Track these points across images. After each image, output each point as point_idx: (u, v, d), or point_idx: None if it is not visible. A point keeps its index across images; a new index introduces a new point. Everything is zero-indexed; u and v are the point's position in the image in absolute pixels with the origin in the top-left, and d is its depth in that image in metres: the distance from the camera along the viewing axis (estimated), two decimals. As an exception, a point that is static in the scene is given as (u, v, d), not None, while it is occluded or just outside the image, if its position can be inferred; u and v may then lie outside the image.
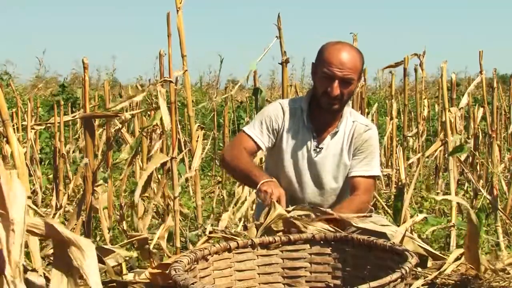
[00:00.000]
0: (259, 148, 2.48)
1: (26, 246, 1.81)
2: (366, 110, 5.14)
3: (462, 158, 3.76)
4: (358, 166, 2.46)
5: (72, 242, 1.25)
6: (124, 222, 3.33)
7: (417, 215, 2.51)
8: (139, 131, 4.40)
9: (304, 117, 2.47)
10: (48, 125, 5.31)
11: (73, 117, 5.14)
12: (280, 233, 2.00)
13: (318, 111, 2.47)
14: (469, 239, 2.02)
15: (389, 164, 6.00)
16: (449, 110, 3.33)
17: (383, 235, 2.16)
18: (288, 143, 2.49)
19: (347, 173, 2.49)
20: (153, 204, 3.30)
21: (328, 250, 1.87)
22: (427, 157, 5.54)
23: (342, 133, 2.49)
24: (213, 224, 3.69)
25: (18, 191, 1.23)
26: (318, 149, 2.48)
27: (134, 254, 2.30)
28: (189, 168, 3.29)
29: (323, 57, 2.38)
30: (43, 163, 7.11)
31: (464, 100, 3.64)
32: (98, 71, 14.26)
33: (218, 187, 5.03)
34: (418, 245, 2.15)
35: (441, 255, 2.26)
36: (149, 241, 2.33)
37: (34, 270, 1.78)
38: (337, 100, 2.37)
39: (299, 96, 2.78)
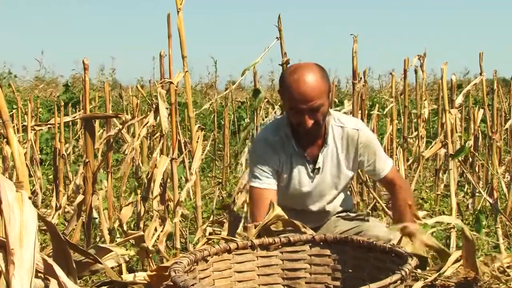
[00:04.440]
0: (273, 189, 2.41)
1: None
2: (366, 111, 5.14)
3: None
4: (378, 166, 2.48)
5: (66, 287, 1.25)
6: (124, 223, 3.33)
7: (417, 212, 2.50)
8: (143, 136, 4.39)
9: (292, 144, 2.41)
10: (48, 126, 5.31)
11: (73, 117, 5.14)
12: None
13: (302, 134, 2.39)
14: (466, 252, 2.03)
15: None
16: (449, 112, 3.33)
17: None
18: (284, 175, 2.44)
19: (375, 179, 2.61)
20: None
21: (328, 252, 1.87)
22: (427, 158, 5.54)
23: (333, 143, 2.43)
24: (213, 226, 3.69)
25: (29, 219, 1.20)
26: (316, 170, 2.43)
27: (132, 252, 2.29)
28: (189, 169, 3.29)
29: (285, 91, 2.30)
30: (43, 163, 7.11)
31: (459, 100, 3.65)
32: (100, 72, 14.25)
33: (218, 188, 5.03)
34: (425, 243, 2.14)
35: (446, 249, 2.26)
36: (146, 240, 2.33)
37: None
38: (313, 128, 2.30)
39: (276, 121, 2.61)
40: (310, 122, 2.27)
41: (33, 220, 1.18)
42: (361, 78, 4.68)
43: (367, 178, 4.56)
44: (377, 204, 4.44)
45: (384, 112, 6.33)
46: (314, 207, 2.51)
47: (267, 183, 2.40)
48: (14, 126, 5.34)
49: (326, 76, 2.33)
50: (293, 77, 2.27)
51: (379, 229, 2.38)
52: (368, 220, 2.50)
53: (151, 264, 2.41)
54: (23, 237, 1.15)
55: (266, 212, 2.26)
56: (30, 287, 1.13)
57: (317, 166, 2.43)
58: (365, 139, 2.45)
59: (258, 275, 1.86)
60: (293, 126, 2.37)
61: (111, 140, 3.42)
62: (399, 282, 1.43)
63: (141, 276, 2.03)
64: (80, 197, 2.96)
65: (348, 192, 2.83)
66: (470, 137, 5.25)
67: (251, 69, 3.50)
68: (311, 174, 2.43)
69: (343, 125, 2.44)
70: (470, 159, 5.72)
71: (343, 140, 2.43)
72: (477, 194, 4.41)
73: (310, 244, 1.89)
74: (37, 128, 5.31)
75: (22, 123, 5.62)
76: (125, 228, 3.53)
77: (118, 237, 3.55)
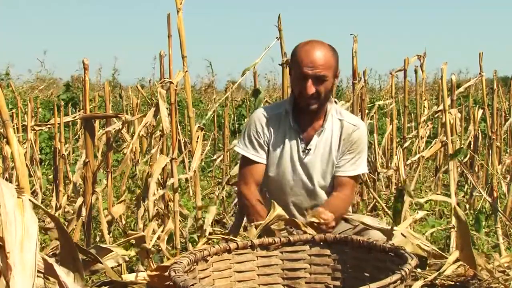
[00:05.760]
0: (262, 163, 2.51)
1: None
2: (367, 111, 5.14)
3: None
4: (346, 166, 2.48)
5: (66, 286, 1.25)
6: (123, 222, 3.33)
7: (417, 212, 2.51)
8: (142, 135, 4.38)
9: (289, 119, 2.48)
10: (48, 126, 5.31)
11: (73, 117, 5.13)
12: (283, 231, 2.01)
13: (302, 112, 2.47)
14: (460, 237, 2.02)
15: (389, 165, 6.00)
16: (449, 112, 3.33)
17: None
18: (276, 149, 2.50)
19: (334, 171, 2.50)
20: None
21: (328, 252, 1.88)
22: (427, 158, 5.54)
23: (330, 132, 2.48)
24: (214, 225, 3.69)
25: (30, 224, 1.21)
26: (306, 151, 2.48)
27: (132, 253, 2.29)
28: (189, 169, 3.29)
29: (295, 58, 2.40)
30: (43, 163, 7.11)
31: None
32: (99, 71, 14.24)
33: (218, 188, 5.03)
34: (418, 245, 2.16)
35: (441, 252, 2.26)
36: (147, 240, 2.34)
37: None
38: (314, 99, 2.38)
39: (283, 100, 2.79)
40: (312, 90, 2.34)
41: (34, 225, 1.20)
42: (361, 78, 4.69)
43: (367, 178, 4.56)
44: (377, 204, 4.44)
45: (384, 111, 6.33)
46: (300, 191, 2.51)
47: (255, 155, 2.50)
48: (14, 126, 5.34)
49: (336, 56, 2.43)
50: (305, 46, 2.39)
51: (375, 232, 2.38)
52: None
53: (151, 264, 2.41)
54: (25, 242, 1.16)
55: (252, 184, 2.46)
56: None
57: (309, 147, 2.47)
58: (358, 137, 2.50)
59: (258, 275, 1.86)
60: (296, 98, 2.43)
61: (111, 140, 3.42)
62: (399, 282, 1.43)
63: (141, 276, 2.04)
64: (80, 199, 2.97)
65: None
66: (466, 137, 5.26)
67: (251, 69, 3.50)
68: (301, 154, 2.48)
69: (342, 118, 2.51)
70: (470, 159, 5.72)
71: (339, 132, 2.49)
72: (477, 194, 4.41)
73: (310, 244, 1.89)
74: (37, 128, 5.31)
75: (22, 123, 5.61)
76: (121, 225, 3.53)
77: (109, 236, 3.54)
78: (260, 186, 2.61)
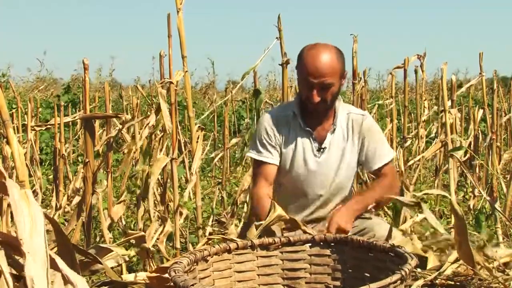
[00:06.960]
0: (274, 164, 2.49)
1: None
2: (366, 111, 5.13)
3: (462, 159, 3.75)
4: (376, 158, 2.48)
5: (69, 280, 1.26)
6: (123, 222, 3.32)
7: (417, 215, 2.51)
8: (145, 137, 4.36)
9: (299, 120, 2.47)
10: (48, 126, 5.31)
11: (73, 118, 5.13)
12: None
13: (310, 113, 2.47)
14: (457, 232, 2.01)
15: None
16: (449, 112, 3.33)
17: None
18: (289, 152, 2.48)
19: (369, 168, 2.51)
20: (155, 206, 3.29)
21: (328, 252, 1.87)
22: (427, 158, 5.54)
23: (340, 128, 2.49)
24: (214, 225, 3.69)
25: (37, 213, 1.23)
26: (321, 150, 2.47)
27: (132, 252, 2.29)
28: (189, 169, 3.29)
29: (300, 64, 2.39)
30: (43, 163, 7.11)
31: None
32: (98, 72, 14.24)
33: (218, 188, 5.03)
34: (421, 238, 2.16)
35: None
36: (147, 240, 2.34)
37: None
38: (321, 105, 2.37)
39: (288, 102, 2.78)
40: (317, 98, 2.34)
41: (40, 215, 1.22)
42: (361, 78, 4.68)
43: (367, 178, 4.55)
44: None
45: (386, 110, 6.33)
46: (316, 192, 2.50)
47: (269, 157, 2.48)
48: (14, 126, 5.33)
49: (342, 59, 2.41)
50: (310, 52, 2.37)
51: (380, 227, 2.38)
52: (370, 218, 2.49)
53: (151, 264, 2.41)
54: (33, 232, 1.19)
55: (262, 185, 2.43)
56: (47, 275, 1.16)
57: (323, 146, 2.47)
58: (371, 123, 2.51)
59: (258, 275, 1.86)
60: (303, 101, 2.43)
61: (111, 140, 3.42)
62: (399, 282, 1.43)
63: (141, 276, 2.03)
64: (77, 198, 2.97)
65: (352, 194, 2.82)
66: (467, 136, 5.25)
67: (251, 69, 3.50)
68: (316, 153, 2.47)
69: (349, 111, 2.52)
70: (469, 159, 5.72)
71: (348, 126, 2.49)
72: (476, 194, 4.41)
73: (310, 244, 1.89)
74: (37, 128, 5.31)
75: (22, 123, 5.61)
76: (121, 225, 3.53)
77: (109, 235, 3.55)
78: (274, 190, 2.59)
